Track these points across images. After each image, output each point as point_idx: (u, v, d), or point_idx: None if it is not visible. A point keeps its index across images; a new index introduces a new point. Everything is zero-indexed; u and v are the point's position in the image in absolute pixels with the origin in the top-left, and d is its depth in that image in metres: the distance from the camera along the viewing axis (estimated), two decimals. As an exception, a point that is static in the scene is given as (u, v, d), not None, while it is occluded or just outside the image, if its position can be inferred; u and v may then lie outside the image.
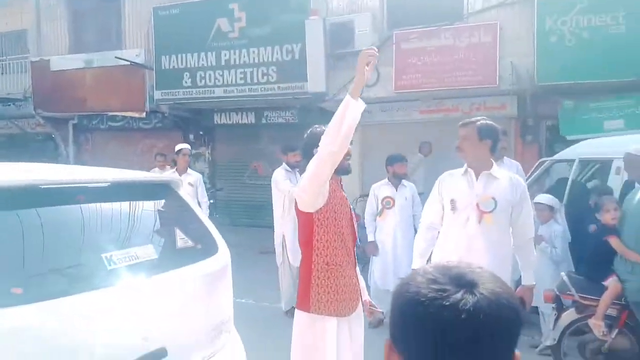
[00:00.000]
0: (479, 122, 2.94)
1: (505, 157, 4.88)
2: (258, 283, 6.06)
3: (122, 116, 11.48)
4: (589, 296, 3.67)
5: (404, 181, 5.11)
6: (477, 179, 2.93)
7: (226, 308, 2.70)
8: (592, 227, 4.72)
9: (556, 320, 3.87)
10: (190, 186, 6.10)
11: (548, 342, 3.92)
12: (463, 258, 2.83)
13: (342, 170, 2.65)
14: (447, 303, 0.74)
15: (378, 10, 9.22)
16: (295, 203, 2.65)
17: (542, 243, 4.41)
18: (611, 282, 3.58)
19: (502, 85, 8.12)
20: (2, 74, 12.72)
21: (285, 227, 5.28)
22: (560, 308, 3.89)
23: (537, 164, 5.98)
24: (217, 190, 10.02)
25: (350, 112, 2.27)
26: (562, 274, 3.92)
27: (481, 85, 8.27)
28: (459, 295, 0.75)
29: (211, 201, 6.99)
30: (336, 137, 2.28)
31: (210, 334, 2.50)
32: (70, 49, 11.97)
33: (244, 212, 10.52)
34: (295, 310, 2.71)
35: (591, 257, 3.89)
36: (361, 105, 2.31)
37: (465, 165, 3.03)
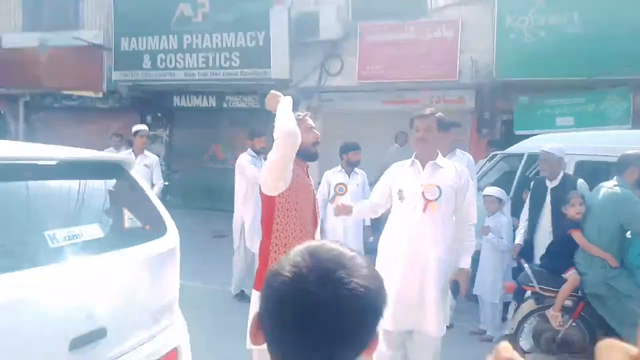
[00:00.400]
0: (437, 114, 3.03)
1: (457, 149, 4.99)
2: (209, 266, 6.03)
3: (78, 95, 11.11)
4: (549, 288, 3.79)
5: (356, 169, 5.19)
6: (423, 168, 3.02)
7: (171, 290, 2.68)
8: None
9: (515, 310, 4.01)
10: (146, 167, 6.01)
11: (506, 331, 4.05)
12: (410, 246, 2.94)
13: (308, 155, 2.78)
14: (308, 303, 0.78)
15: (343, 2, 9.23)
16: (260, 186, 2.72)
17: (489, 234, 4.56)
18: (571, 275, 3.70)
19: (462, 79, 8.32)
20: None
21: (245, 212, 5.30)
22: (520, 299, 4.03)
23: (488, 157, 6.16)
24: (172, 173, 9.86)
25: (286, 105, 2.63)
26: (525, 266, 4.01)
27: (442, 78, 8.43)
28: (321, 296, 0.78)
29: (166, 183, 6.89)
30: (288, 121, 2.54)
31: (153, 316, 2.48)
32: (24, 26, 11.47)
33: (201, 195, 10.33)
34: (252, 290, 2.75)
35: (554, 249, 3.99)
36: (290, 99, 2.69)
37: (413, 156, 3.11)
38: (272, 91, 2.76)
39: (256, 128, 5.58)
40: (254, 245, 4.99)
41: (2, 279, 1.87)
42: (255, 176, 4.91)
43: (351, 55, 9.02)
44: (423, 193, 2.94)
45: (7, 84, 11.05)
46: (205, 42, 9.53)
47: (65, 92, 11.06)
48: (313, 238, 2.75)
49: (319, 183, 6.80)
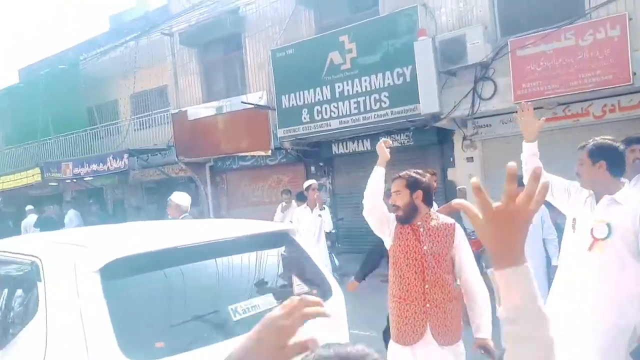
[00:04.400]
0: (590, 144, 2.77)
1: None
2: (380, 313, 6.05)
3: (251, 155, 12.35)
4: None
5: None
6: (597, 202, 2.74)
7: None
8: None
9: None
10: (320, 217, 6.50)
11: None
12: (573, 283, 2.73)
13: (400, 219, 2.99)
14: None
15: (489, 21, 8.91)
16: None
17: None
18: None
19: (637, 81, 7.35)
20: (150, 127, 14.45)
21: None
22: None
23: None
24: (338, 220, 10.23)
25: (374, 175, 3.06)
26: None
27: (613, 85, 7.56)
28: None
29: (333, 230, 7.26)
30: (366, 195, 3.07)
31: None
32: (203, 98, 13.25)
33: (366, 240, 10.47)
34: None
35: None
36: (382, 170, 3.06)
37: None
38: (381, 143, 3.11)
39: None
40: None
41: (196, 354, 2.20)
42: None
43: (504, 75, 8.60)
44: (592, 230, 2.68)
45: (195, 153, 12.78)
46: (355, 87, 9.93)
47: (241, 154, 12.36)
48: (421, 292, 2.83)
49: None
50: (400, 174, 3.00)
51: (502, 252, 0.96)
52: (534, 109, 8.28)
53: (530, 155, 2.93)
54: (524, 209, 0.94)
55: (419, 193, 2.89)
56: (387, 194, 3.11)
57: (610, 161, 2.71)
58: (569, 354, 2.74)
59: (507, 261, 0.96)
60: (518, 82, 8.43)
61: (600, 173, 2.72)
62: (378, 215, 3.01)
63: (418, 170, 3.04)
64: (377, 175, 3.03)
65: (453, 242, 2.87)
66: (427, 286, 2.82)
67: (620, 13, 7.57)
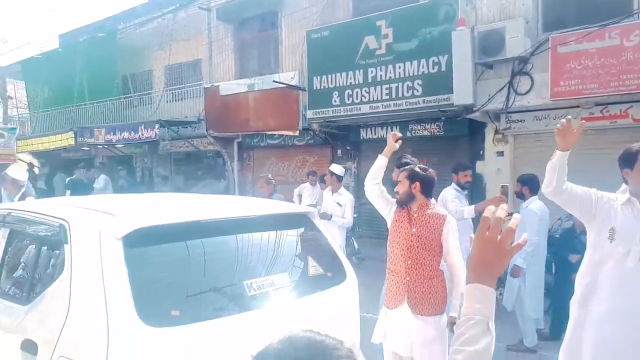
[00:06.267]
0: None
1: None
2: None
3: (279, 134, 12.39)
4: None
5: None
6: None
7: (353, 334, 2.87)
8: None
9: None
10: (339, 205, 6.38)
11: None
12: (616, 297, 2.61)
13: (397, 203, 3.46)
14: None
15: (531, 14, 8.68)
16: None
17: None
18: None
19: (682, 87, 7.08)
20: (182, 99, 14.59)
21: None
22: None
23: None
24: (360, 205, 10.24)
25: (376, 163, 3.52)
26: None
27: (655, 88, 7.30)
28: None
29: (355, 215, 7.20)
30: (367, 179, 3.57)
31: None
32: (236, 75, 13.30)
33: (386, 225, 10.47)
34: None
35: None
36: (384, 160, 3.55)
37: (628, 193, 2.68)
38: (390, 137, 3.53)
39: (462, 161, 5.55)
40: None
41: (210, 324, 2.27)
42: (458, 211, 4.92)
43: (542, 71, 8.38)
44: None
45: (225, 129, 12.90)
46: (388, 73, 9.81)
47: (269, 133, 12.41)
48: (402, 268, 3.26)
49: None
50: (406, 167, 3.47)
51: (480, 271, 1.17)
52: (571, 107, 8.05)
53: (561, 165, 2.69)
54: (504, 249, 1.16)
55: (417, 184, 3.31)
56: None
57: None
58: None
59: (481, 280, 1.16)
60: (556, 79, 8.21)
61: None
62: (380, 198, 3.51)
63: (422, 165, 3.47)
64: (379, 163, 3.48)
65: (442, 231, 3.23)
66: (409, 262, 3.24)
67: (671, 14, 7.28)
